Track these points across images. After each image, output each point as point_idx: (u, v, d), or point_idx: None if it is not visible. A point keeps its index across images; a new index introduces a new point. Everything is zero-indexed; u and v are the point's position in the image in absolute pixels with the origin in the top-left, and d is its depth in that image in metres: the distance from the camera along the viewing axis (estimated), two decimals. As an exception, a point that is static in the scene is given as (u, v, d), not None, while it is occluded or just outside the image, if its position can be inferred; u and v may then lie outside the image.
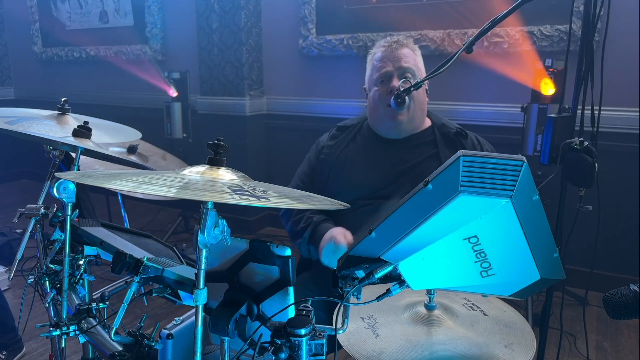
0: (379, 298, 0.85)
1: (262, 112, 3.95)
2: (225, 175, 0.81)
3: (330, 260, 1.40)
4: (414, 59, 1.57)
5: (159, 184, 0.71)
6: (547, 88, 2.53)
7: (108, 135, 1.41)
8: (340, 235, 1.39)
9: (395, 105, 1.47)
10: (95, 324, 1.02)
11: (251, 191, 0.74)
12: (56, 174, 0.90)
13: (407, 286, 0.83)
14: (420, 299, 1.04)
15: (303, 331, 0.76)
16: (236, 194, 0.71)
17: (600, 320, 2.63)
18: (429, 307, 1.01)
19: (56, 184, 1.02)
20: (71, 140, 1.17)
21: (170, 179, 0.75)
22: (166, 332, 0.92)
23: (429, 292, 1.01)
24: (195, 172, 0.81)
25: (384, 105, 1.54)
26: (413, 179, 1.46)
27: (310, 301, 0.83)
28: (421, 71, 1.59)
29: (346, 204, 0.86)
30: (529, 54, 2.92)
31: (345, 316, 0.85)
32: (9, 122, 1.25)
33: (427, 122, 1.64)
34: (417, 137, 1.60)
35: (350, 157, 1.63)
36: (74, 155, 1.20)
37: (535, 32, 2.89)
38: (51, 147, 1.26)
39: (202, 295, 0.75)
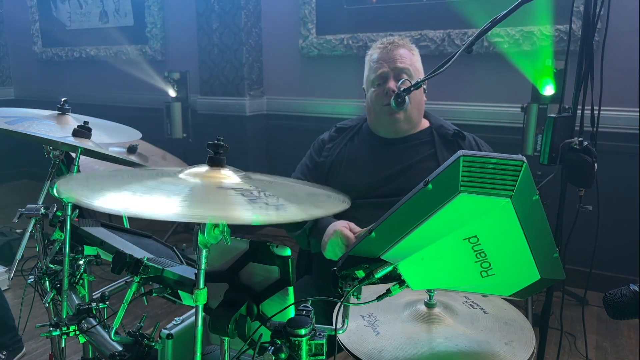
0: (379, 298, 0.85)
1: (262, 112, 3.95)
2: (230, 177, 0.80)
3: (336, 255, 1.39)
4: (410, 59, 1.56)
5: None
6: (547, 88, 2.53)
7: (108, 135, 1.41)
8: (345, 230, 1.38)
9: (395, 105, 1.47)
10: (95, 324, 1.02)
11: (266, 201, 0.72)
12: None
13: (407, 286, 0.83)
14: (420, 296, 1.04)
15: (303, 331, 0.76)
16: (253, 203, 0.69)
17: (600, 320, 2.63)
18: (429, 305, 1.01)
19: (56, 184, 1.02)
20: (71, 140, 1.17)
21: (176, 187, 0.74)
22: (166, 332, 0.92)
23: (429, 290, 1.01)
24: (197, 174, 0.80)
25: (381, 106, 1.54)
26: (411, 179, 1.46)
27: (310, 301, 0.83)
28: (419, 70, 1.58)
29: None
30: (528, 54, 2.92)
31: (345, 316, 0.85)
32: (9, 122, 1.25)
33: (425, 123, 1.64)
34: (415, 137, 1.60)
35: (348, 158, 1.62)
36: (74, 155, 1.20)
37: (535, 32, 2.89)
38: (51, 147, 1.26)
39: (202, 295, 0.75)
